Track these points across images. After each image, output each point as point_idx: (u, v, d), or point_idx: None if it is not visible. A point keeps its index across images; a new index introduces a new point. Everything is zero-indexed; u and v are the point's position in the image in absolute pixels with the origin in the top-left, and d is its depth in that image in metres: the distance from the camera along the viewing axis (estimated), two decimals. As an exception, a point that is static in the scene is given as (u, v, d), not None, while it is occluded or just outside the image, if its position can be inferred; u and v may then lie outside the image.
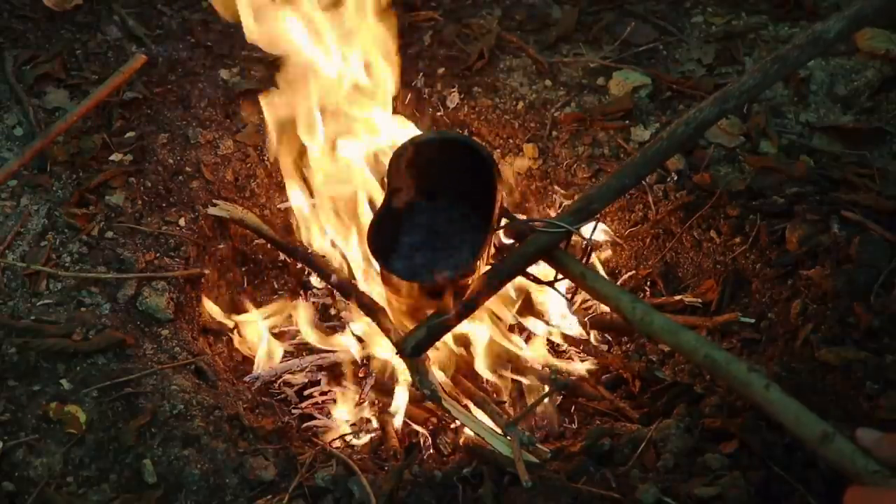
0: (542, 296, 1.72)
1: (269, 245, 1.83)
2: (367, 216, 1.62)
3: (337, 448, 1.48)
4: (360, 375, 1.68)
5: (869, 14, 1.31)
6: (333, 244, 1.71)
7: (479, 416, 1.47)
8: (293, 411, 1.65)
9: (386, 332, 1.49)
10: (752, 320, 1.57)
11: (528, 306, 1.72)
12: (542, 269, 1.41)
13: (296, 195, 1.70)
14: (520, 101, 1.98)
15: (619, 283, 1.81)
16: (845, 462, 0.98)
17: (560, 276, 1.38)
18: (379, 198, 1.55)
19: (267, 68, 2.00)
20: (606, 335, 1.77)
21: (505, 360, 1.63)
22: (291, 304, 1.79)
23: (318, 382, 1.69)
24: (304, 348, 1.74)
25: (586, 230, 1.34)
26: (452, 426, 1.57)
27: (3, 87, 1.95)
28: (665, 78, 1.95)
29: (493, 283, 1.38)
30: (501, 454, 1.34)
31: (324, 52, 1.54)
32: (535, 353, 1.64)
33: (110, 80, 1.78)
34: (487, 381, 1.63)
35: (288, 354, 1.74)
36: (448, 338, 1.53)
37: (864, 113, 1.83)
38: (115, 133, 1.88)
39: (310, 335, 1.71)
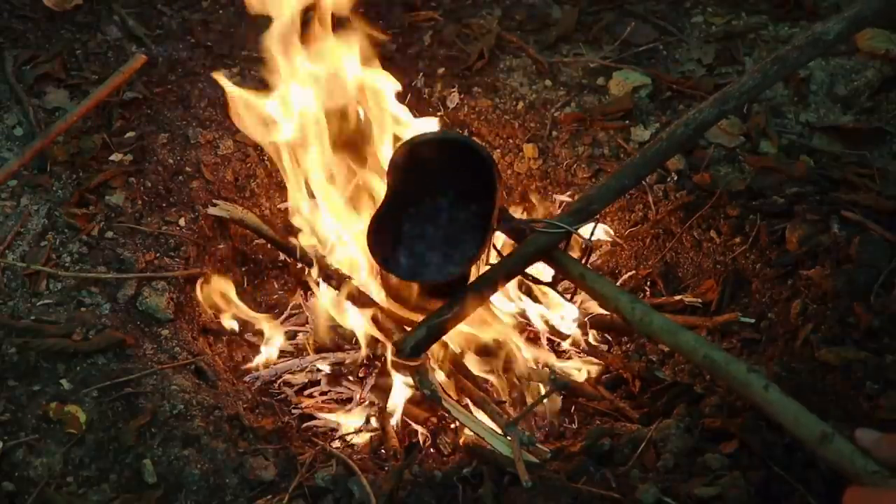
0: (542, 295, 1.72)
1: (269, 245, 1.83)
2: (368, 210, 1.61)
3: (337, 448, 1.48)
4: (361, 375, 1.68)
5: (868, 16, 1.32)
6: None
7: (479, 416, 1.47)
8: (293, 411, 1.65)
9: (385, 332, 1.49)
10: (752, 320, 1.57)
11: (527, 306, 1.72)
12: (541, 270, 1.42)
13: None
14: (520, 101, 1.98)
15: (619, 283, 1.81)
16: (844, 462, 0.98)
17: (560, 277, 1.38)
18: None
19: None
20: (606, 335, 1.77)
21: (505, 359, 1.63)
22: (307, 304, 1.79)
23: (318, 382, 1.70)
24: (304, 348, 1.74)
25: (586, 230, 1.34)
26: (452, 426, 1.57)
27: (3, 87, 1.95)
28: (665, 78, 1.95)
29: (493, 283, 1.38)
30: (501, 454, 1.34)
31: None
32: (535, 353, 1.64)
33: (110, 80, 1.79)
34: (487, 381, 1.63)
35: (288, 354, 1.74)
36: (448, 337, 1.53)
37: (864, 113, 1.83)
38: (115, 133, 1.88)
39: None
